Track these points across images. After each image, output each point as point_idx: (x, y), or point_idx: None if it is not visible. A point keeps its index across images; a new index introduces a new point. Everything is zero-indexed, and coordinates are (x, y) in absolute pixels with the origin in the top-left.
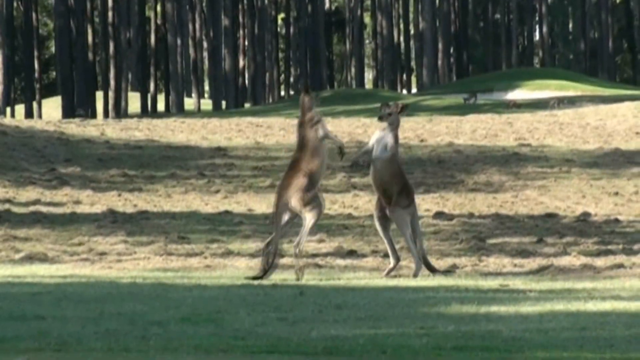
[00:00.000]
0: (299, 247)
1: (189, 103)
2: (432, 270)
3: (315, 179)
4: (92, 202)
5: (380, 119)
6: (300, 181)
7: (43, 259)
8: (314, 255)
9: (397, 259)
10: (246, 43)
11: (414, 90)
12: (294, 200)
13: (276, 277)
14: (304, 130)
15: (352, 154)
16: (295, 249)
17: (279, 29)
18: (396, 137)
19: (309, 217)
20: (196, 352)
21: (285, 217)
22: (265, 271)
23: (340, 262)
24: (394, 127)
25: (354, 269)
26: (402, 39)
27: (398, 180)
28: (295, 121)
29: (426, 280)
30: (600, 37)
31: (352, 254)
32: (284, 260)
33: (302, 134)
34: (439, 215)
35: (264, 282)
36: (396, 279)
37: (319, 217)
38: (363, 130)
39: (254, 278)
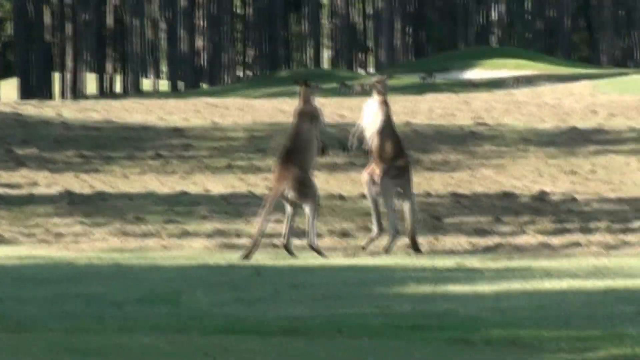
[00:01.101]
0: (313, 242)
1: (146, 84)
2: (417, 249)
3: (307, 167)
4: (49, 184)
5: (374, 86)
6: (296, 173)
7: None
8: (271, 236)
9: (381, 229)
10: (203, 23)
11: (371, 69)
12: (292, 193)
13: (234, 256)
14: (300, 120)
15: (348, 140)
16: (313, 244)
17: (236, 9)
18: (385, 103)
19: (311, 208)
20: (153, 333)
21: (288, 209)
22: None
23: (297, 242)
24: (382, 95)
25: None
26: (359, 18)
27: (398, 148)
28: (290, 107)
29: (383, 260)
30: (558, 16)
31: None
32: (243, 241)
33: (297, 124)
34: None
35: (221, 262)
36: (354, 259)
37: (318, 203)
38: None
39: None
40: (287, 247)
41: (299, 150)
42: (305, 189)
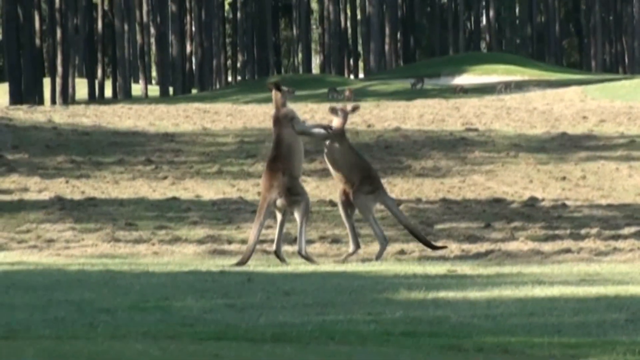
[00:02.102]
0: (302, 249)
1: (136, 89)
2: (434, 247)
3: (295, 174)
4: (40, 189)
5: (332, 111)
6: (282, 181)
7: None
8: (262, 242)
9: (357, 246)
10: (193, 28)
11: (361, 75)
12: (282, 201)
13: (225, 262)
14: (279, 127)
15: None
16: (302, 251)
17: (226, 14)
18: (340, 127)
19: (301, 214)
20: (144, 339)
21: (279, 215)
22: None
23: (288, 248)
24: (341, 121)
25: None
26: (349, 24)
27: (352, 168)
28: (268, 111)
29: (374, 266)
30: (547, 21)
31: None
32: (234, 247)
33: (277, 131)
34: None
35: (212, 268)
36: (344, 265)
37: (309, 210)
38: (310, 116)
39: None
40: (277, 254)
41: (284, 156)
42: (294, 197)
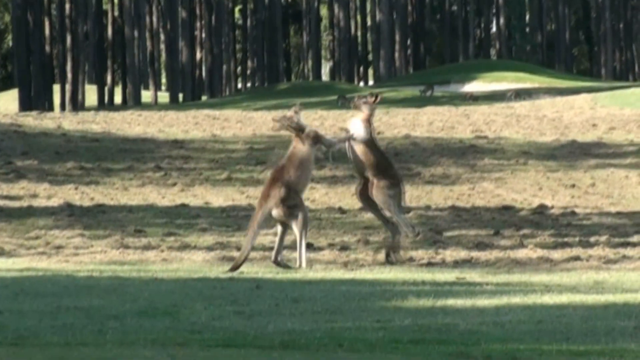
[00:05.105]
0: (303, 264)
1: (146, 96)
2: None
3: (299, 189)
4: (49, 196)
5: (355, 107)
6: (280, 192)
7: None
8: (270, 249)
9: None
10: (203, 35)
11: (371, 82)
12: (276, 211)
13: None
14: (297, 141)
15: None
16: (302, 266)
17: (236, 21)
18: (367, 124)
19: (298, 228)
20: (153, 346)
21: (279, 227)
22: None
23: (297, 255)
24: (367, 114)
25: (310, 262)
26: (359, 31)
27: (375, 166)
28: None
29: (382, 273)
30: (557, 29)
31: (308, 247)
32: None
33: (294, 144)
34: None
35: (221, 275)
36: (353, 272)
37: (307, 224)
38: (320, 123)
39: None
40: (278, 264)
41: (293, 169)
42: (292, 209)
